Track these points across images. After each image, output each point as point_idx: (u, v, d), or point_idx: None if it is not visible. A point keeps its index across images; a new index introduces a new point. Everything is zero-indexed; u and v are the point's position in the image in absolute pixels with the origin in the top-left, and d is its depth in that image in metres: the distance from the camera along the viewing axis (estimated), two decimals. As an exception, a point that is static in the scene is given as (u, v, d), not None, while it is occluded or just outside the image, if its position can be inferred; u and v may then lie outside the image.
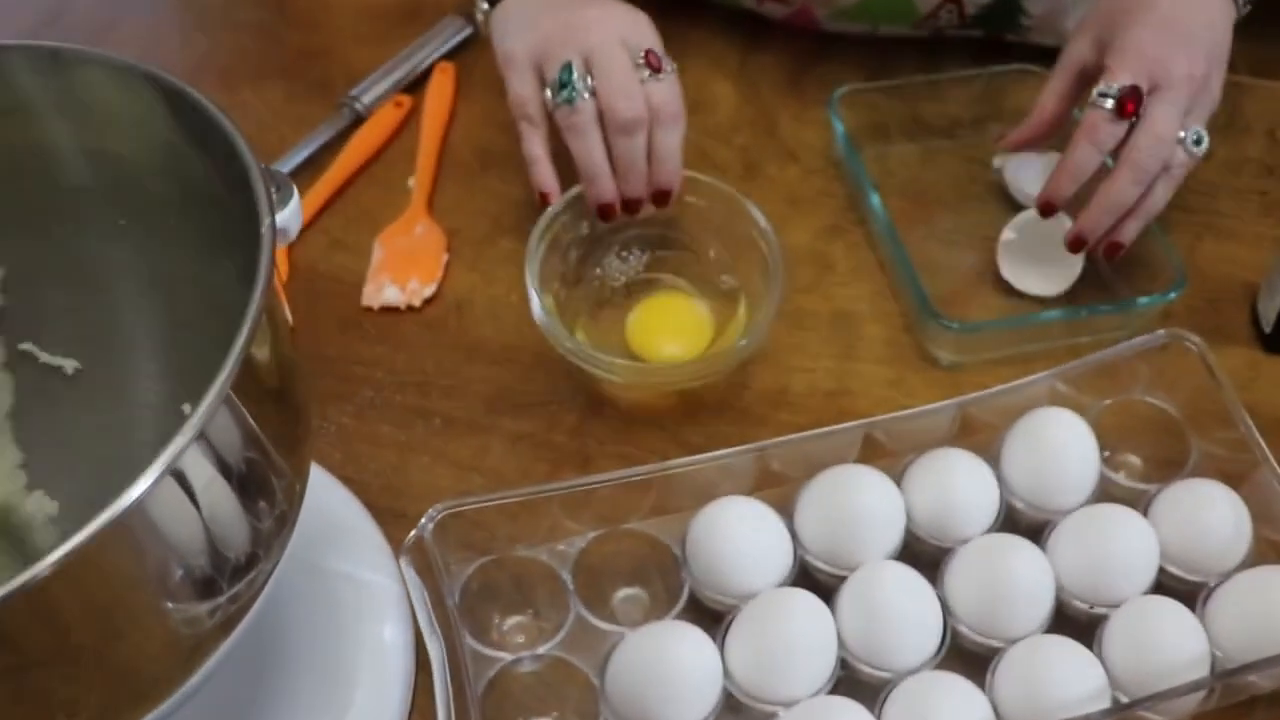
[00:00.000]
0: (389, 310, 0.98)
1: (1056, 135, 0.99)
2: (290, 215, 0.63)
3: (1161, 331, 0.87)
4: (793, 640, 0.76)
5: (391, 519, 0.86)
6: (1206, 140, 0.92)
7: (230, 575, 0.60)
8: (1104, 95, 0.91)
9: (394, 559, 0.83)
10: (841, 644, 0.77)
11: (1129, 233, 0.93)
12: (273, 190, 0.60)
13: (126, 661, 0.58)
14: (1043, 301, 0.97)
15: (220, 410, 0.53)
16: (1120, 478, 0.85)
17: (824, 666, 0.76)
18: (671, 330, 0.95)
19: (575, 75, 0.92)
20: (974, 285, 0.98)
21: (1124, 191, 0.91)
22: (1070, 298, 0.97)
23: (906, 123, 1.06)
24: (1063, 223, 0.95)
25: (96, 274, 0.73)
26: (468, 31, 1.16)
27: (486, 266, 1.00)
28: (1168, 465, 0.86)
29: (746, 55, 1.14)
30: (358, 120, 1.11)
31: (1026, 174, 1.01)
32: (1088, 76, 0.95)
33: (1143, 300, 0.93)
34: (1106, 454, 0.85)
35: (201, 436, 0.53)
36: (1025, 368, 0.91)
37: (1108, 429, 0.85)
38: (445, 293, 0.99)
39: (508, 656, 0.78)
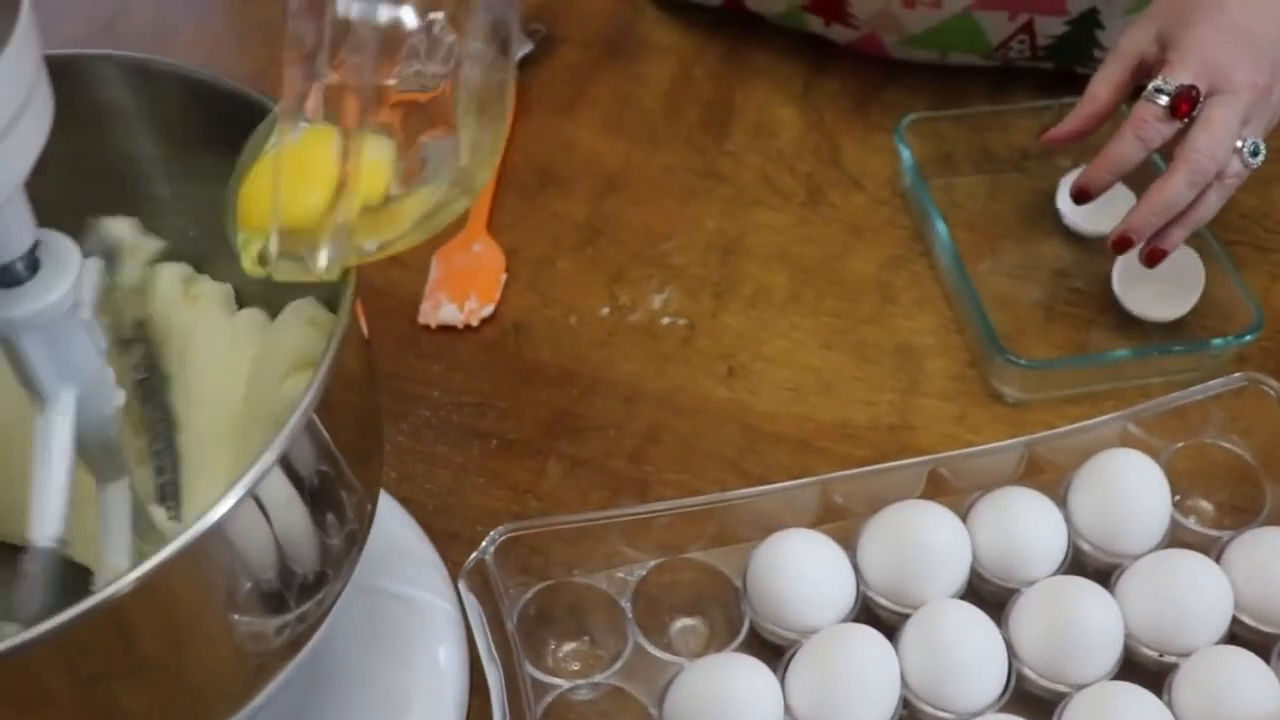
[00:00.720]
0: (446, 329, 0.97)
1: (1102, 128, 0.95)
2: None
3: (1238, 375, 0.85)
4: (856, 677, 0.74)
5: (445, 540, 0.85)
6: (1264, 152, 0.90)
7: (300, 594, 0.59)
8: (1159, 91, 0.88)
9: (449, 580, 0.82)
10: (904, 683, 0.75)
11: (1174, 239, 0.91)
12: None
13: (195, 679, 0.57)
14: (1116, 340, 0.96)
15: (303, 430, 0.53)
16: (1191, 523, 0.84)
17: (886, 706, 0.75)
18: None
19: None
20: (1041, 321, 0.97)
21: (1178, 192, 0.88)
22: (1144, 337, 0.96)
23: (974, 153, 1.05)
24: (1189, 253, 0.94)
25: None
26: (528, 48, 1.15)
27: (544, 287, 0.99)
28: (1241, 512, 0.84)
29: (810, 80, 1.13)
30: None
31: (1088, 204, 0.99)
32: (1145, 69, 0.92)
33: (1217, 342, 0.91)
34: (1177, 498, 0.83)
35: (284, 458, 0.52)
36: (1093, 407, 0.90)
37: (1179, 472, 0.84)
38: (503, 313, 0.98)
39: (565, 684, 0.77)
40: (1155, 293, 0.95)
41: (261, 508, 0.53)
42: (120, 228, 0.63)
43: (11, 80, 0.46)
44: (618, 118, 1.11)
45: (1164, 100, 0.88)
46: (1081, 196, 0.92)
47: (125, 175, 0.67)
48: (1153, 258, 0.92)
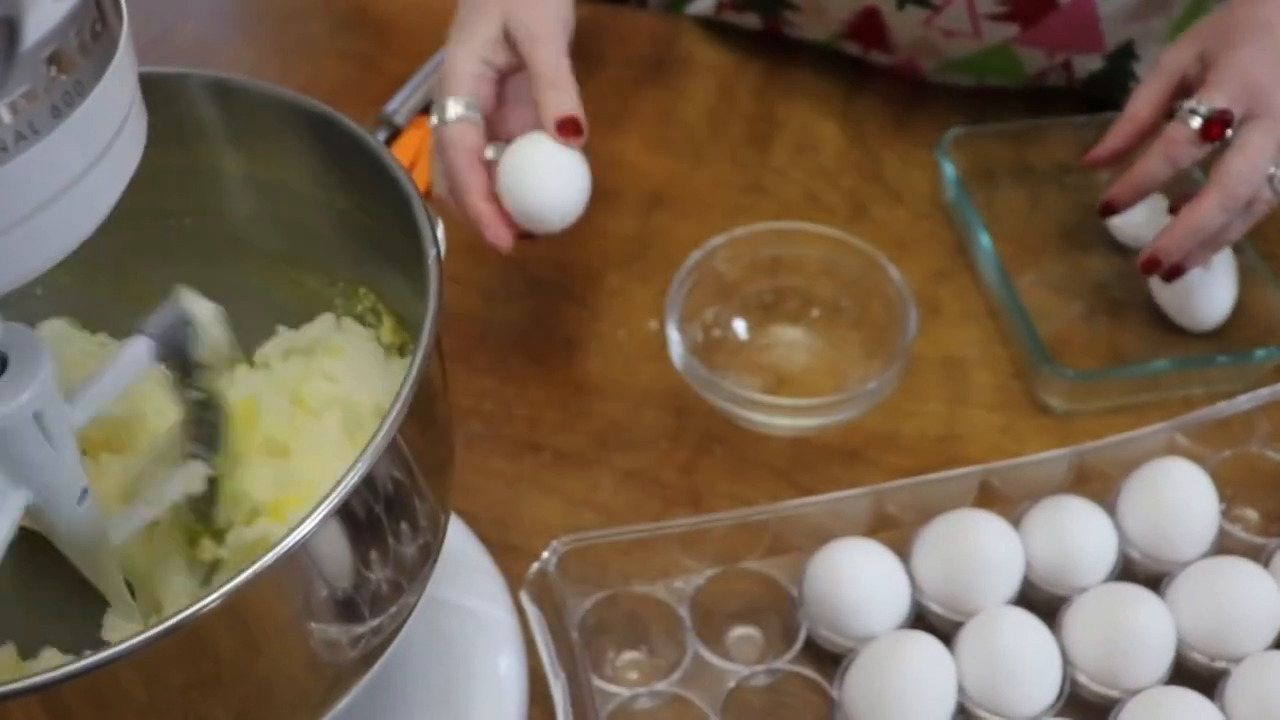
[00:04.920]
0: (497, 342, 0.98)
1: (1145, 143, 0.94)
2: (439, 243, 0.63)
3: (1284, 385, 0.87)
4: (913, 684, 0.75)
5: (502, 551, 0.86)
6: None
7: (376, 606, 0.60)
8: (1193, 112, 0.88)
9: (508, 591, 0.83)
10: (961, 689, 0.77)
11: (1197, 260, 0.91)
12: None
13: (273, 690, 0.58)
14: (1157, 350, 0.97)
15: (388, 448, 0.54)
16: (1239, 530, 0.85)
17: (944, 711, 0.76)
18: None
19: None
20: (1083, 332, 0.98)
21: (1212, 215, 0.88)
22: (1185, 347, 0.97)
23: (1015, 167, 1.06)
24: (1224, 255, 0.95)
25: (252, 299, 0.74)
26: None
27: (594, 301, 1.01)
28: (1287, 520, 0.86)
29: (851, 96, 1.15)
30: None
31: (1131, 215, 1.00)
32: (1186, 87, 0.92)
33: (1260, 353, 0.92)
34: (1223, 506, 0.84)
35: (368, 476, 0.53)
36: (1137, 417, 0.91)
37: (1225, 481, 0.85)
38: (553, 326, 0.99)
39: (626, 692, 0.78)
40: (1194, 299, 0.96)
41: (346, 522, 0.54)
42: (200, 308, 0.62)
43: (113, 99, 0.47)
44: (662, 134, 1.13)
45: (1196, 123, 0.88)
46: (1106, 211, 0.93)
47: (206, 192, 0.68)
48: (1172, 274, 0.92)
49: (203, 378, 0.64)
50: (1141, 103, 0.94)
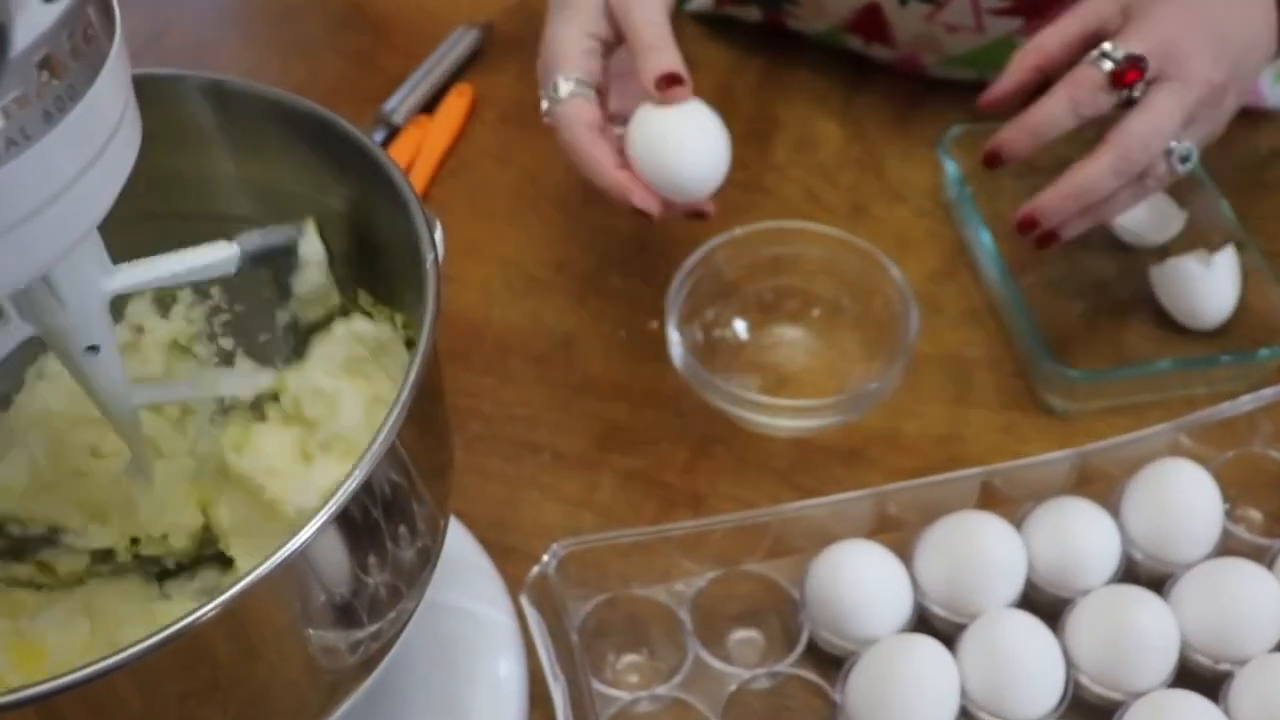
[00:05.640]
0: (495, 343, 0.98)
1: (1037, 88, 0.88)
2: (438, 246, 0.63)
3: (1289, 385, 0.86)
4: (916, 687, 0.75)
5: (501, 553, 0.85)
6: (1194, 161, 0.84)
7: (375, 612, 0.60)
8: (1105, 56, 0.81)
9: (507, 594, 0.82)
10: (963, 692, 0.76)
11: (1074, 229, 0.85)
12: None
13: (271, 697, 0.58)
14: (1160, 350, 0.96)
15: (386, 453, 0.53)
16: (1242, 531, 0.85)
17: (946, 714, 0.75)
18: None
19: None
20: (1085, 332, 0.98)
21: (1101, 178, 0.82)
22: (1187, 346, 0.96)
23: (1017, 165, 1.05)
24: (1227, 254, 0.94)
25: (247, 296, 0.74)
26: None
27: (593, 301, 1.00)
28: (1291, 521, 0.85)
29: (851, 94, 1.14)
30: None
31: (1135, 214, 0.99)
32: (1103, 36, 0.85)
33: (1264, 352, 0.91)
34: (1227, 507, 0.84)
35: (367, 481, 0.52)
36: (1139, 417, 0.90)
37: (1229, 482, 0.84)
38: (553, 327, 0.99)
39: (626, 696, 0.78)
40: (1197, 299, 0.96)
41: (344, 529, 0.54)
42: (311, 246, 0.66)
43: (106, 103, 0.47)
44: (661, 132, 1.12)
45: (1108, 65, 0.81)
46: (992, 160, 0.86)
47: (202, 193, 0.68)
48: (1045, 242, 0.86)
49: (292, 307, 0.67)
50: (1050, 36, 0.87)
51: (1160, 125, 0.81)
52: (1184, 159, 0.83)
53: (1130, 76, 0.81)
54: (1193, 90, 0.82)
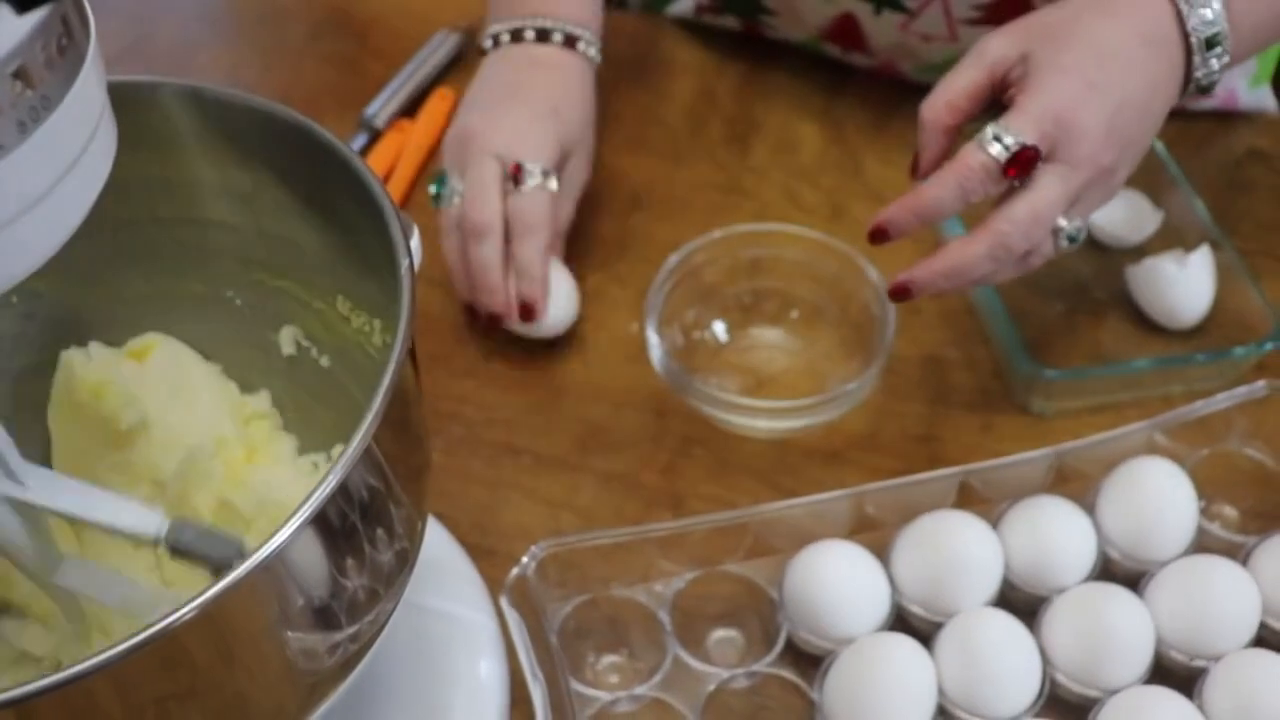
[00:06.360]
0: (476, 346, 0.98)
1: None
2: (414, 252, 0.63)
3: (1261, 383, 0.87)
4: (893, 685, 0.76)
5: (481, 555, 0.86)
6: (1082, 238, 0.82)
7: (354, 614, 0.60)
8: (998, 139, 0.78)
9: (488, 595, 0.83)
10: (940, 690, 0.77)
11: (936, 290, 0.83)
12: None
13: (249, 700, 0.58)
14: (1136, 349, 0.97)
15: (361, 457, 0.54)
16: (1217, 529, 0.85)
17: (923, 713, 0.76)
18: None
19: (449, 182, 0.95)
20: (1062, 332, 0.98)
21: (977, 263, 0.80)
22: (1164, 345, 0.97)
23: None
24: (1202, 254, 0.95)
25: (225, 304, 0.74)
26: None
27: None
28: (1265, 517, 0.86)
29: (831, 96, 1.15)
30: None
31: (1112, 214, 1.00)
32: (1004, 86, 0.82)
33: (1239, 351, 0.92)
34: (1202, 504, 0.85)
35: (343, 485, 0.53)
36: (1116, 416, 0.91)
37: (1204, 480, 0.85)
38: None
39: (606, 696, 0.78)
40: (1173, 298, 0.96)
41: (321, 531, 0.54)
42: None
43: (81, 112, 0.47)
44: (641, 135, 1.12)
45: (997, 151, 0.78)
46: (877, 237, 0.84)
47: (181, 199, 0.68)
48: (899, 294, 0.84)
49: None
50: (958, 93, 0.83)
51: (1041, 213, 0.79)
52: (1072, 238, 0.82)
53: (1014, 171, 0.79)
54: (1080, 173, 0.79)
